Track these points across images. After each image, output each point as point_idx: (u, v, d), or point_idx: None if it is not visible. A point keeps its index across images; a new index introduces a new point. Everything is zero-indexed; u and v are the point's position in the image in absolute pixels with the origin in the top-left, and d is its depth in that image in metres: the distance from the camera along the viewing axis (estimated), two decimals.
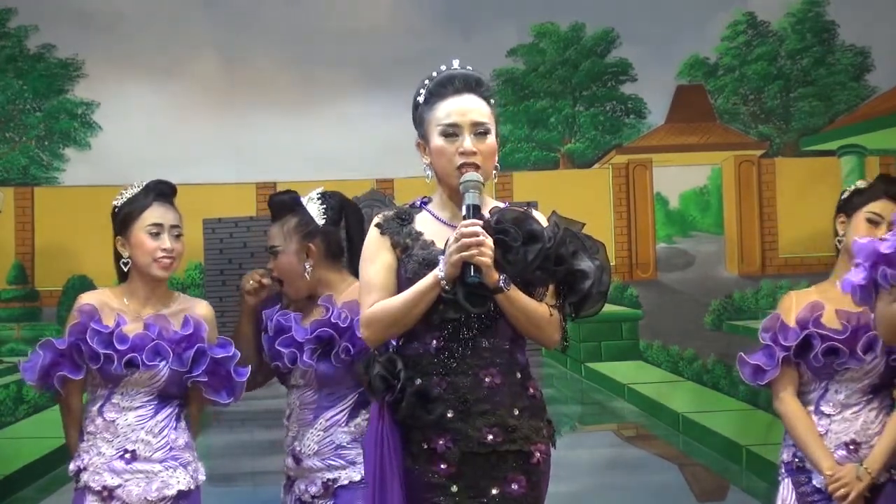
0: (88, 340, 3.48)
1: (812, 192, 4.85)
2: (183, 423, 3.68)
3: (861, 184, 3.85)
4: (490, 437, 2.82)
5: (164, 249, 3.59)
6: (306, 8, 5.37)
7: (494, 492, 2.84)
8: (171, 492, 3.58)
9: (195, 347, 3.59)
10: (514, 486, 2.85)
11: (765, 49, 5.56)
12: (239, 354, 3.68)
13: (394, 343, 2.95)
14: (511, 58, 5.52)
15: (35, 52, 5.30)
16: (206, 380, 3.62)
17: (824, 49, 5.55)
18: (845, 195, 3.84)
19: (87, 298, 3.60)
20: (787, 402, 3.71)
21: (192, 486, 3.65)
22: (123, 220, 3.61)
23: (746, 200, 5.51)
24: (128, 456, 3.54)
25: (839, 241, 3.80)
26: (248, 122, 5.31)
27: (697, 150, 5.56)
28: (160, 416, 3.61)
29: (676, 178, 5.55)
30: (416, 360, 2.87)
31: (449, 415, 2.82)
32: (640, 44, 5.49)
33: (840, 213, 3.81)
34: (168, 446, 3.60)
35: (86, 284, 4.81)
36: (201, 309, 3.73)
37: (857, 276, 3.14)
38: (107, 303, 3.60)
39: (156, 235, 3.58)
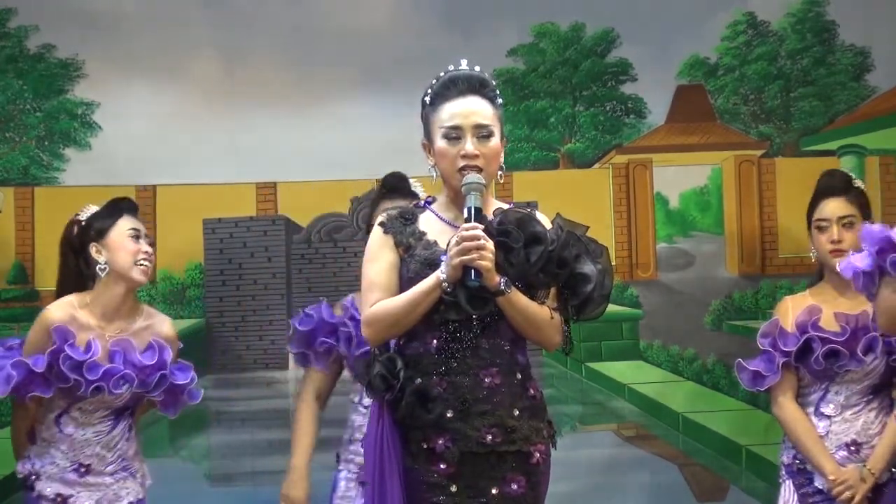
0: (61, 364, 3.45)
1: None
2: (133, 432, 3.69)
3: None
4: (489, 437, 2.82)
5: (145, 252, 3.60)
6: (306, 8, 5.37)
7: (494, 492, 2.84)
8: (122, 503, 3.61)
9: (158, 374, 3.59)
10: (514, 486, 2.85)
11: (765, 49, 5.56)
12: (196, 379, 3.72)
13: (394, 342, 2.94)
14: (511, 58, 5.53)
15: (35, 52, 5.30)
16: (162, 399, 3.66)
17: (824, 49, 5.55)
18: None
19: (57, 315, 3.52)
20: (786, 406, 3.70)
21: (141, 496, 3.69)
22: (99, 228, 3.60)
23: (746, 200, 5.51)
24: (82, 469, 3.55)
25: (813, 255, 3.79)
26: (248, 123, 5.31)
27: (697, 150, 5.56)
28: (116, 431, 3.62)
29: (676, 177, 5.55)
30: (416, 360, 2.87)
31: (448, 415, 2.82)
32: (640, 44, 5.50)
33: (808, 229, 3.81)
34: (120, 458, 3.63)
35: None
36: (165, 328, 3.72)
37: (861, 261, 3.10)
38: (75, 317, 3.55)
39: (136, 239, 3.60)
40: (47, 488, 3.53)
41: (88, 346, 3.50)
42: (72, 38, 5.27)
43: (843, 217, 3.66)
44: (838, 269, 3.20)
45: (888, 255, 2.97)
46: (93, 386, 3.48)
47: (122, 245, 3.57)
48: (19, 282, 5.22)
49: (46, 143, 5.32)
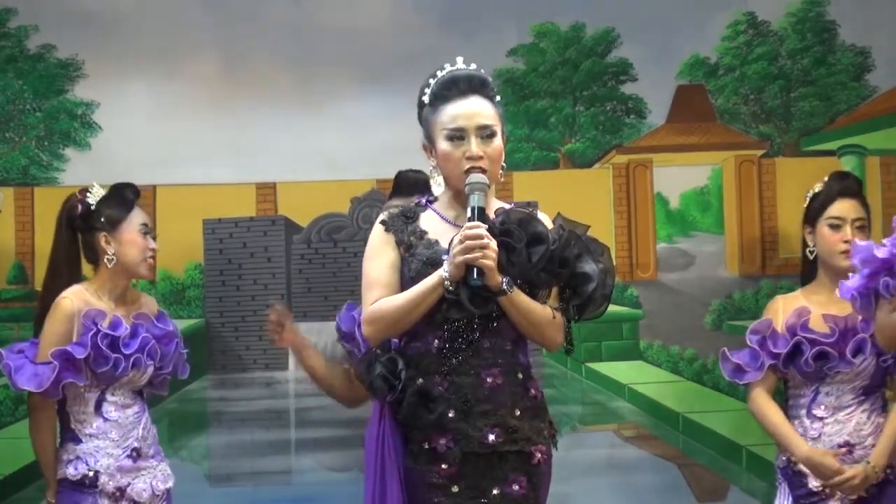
0: (100, 343, 3.47)
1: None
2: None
3: (818, 187, 3.80)
4: (491, 437, 2.82)
5: (152, 249, 3.66)
6: (306, 7, 5.37)
7: (495, 492, 2.84)
8: (169, 484, 3.66)
9: (174, 344, 3.69)
10: (515, 487, 2.85)
11: (765, 49, 5.56)
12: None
13: (396, 342, 2.94)
14: (511, 58, 5.52)
15: (35, 52, 5.30)
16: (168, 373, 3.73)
17: (825, 49, 5.55)
18: (806, 202, 3.80)
19: (75, 302, 3.53)
20: (757, 399, 3.71)
21: (172, 480, 3.72)
22: (111, 219, 3.61)
23: (747, 200, 5.51)
24: (134, 454, 3.57)
25: (811, 252, 3.77)
26: (248, 122, 5.31)
27: (698, 150, 5.56)
28: (145, 412, 3.67)
29: (677, 177, 5.55)
30: (417, 360, 2.87)
31: (450, 414, 2.81)
32: (641, 44, 5.50)
33: (805, 223, 3.78)
34: (155, 440, 3.69)
35: None
36: (155, 305, 3.80)
37: (854, 282, 3.11)
38: (91, 303, 3.58)
39: (145, 235, 3.63)
40: (109, 484, 3.53)
41: (116, 324, 3.52)
42: (72, 38, 5.26)
43: (857, 219, 3.66)
44: (838, 293, 3.20)
45: (880, 277, 2.98)
46: (131, 361, 3.51)
47: (132, 241, 3.61)
48: (19, 282, 5.21)
49: (46, 143, 5.32)
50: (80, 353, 3.47)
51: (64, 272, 3.63)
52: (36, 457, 3.63)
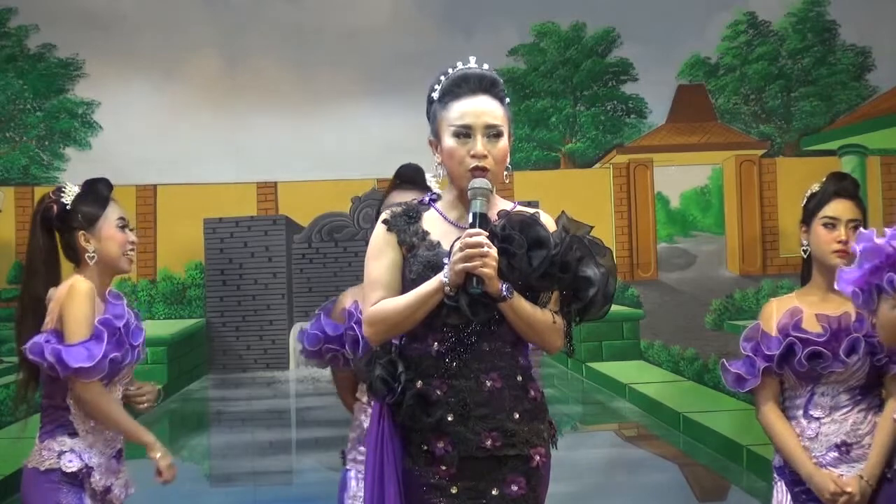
0: (121, 328, 3.48)
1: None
2: None
3: (815, 187, 3.80)
4: (489, 441, 2.81)
5: (132, 242, 3.64)
6: (306, 8, 5.38)
7: (494, 493, 2.83)
8: (132, 490, 3.62)
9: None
10: (514, 488, 2.84)
11: (766, 49, 5.56)
12: None
13: (395, 342, 2.93)
14: (512, 57, 5.53)
15: (35, 52, 5.30)
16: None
17: (825, 49, 5.55)
18: (804, 202, 3.81)
19: (90, 284, 3.51)
20: (767, 414, 3.70)
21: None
22: (88, 217, 3.59)
23: (747, 200, 5.51)
24: (117, 455, 3.56)
25: (805, 251, 3.78)
26: (248, 122, 5.32)
27: (698, 150, 5.56)
28: None
29: (677, 177, 5.56)
30: (417, 362, 2.86)
31: (449, 418, 2.80)
32: (641, 43, 5.51)
33: (801, 223, 3.79)
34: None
35: None
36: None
37: (854, 274, 3.09)
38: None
39: (123, 229, 3.61)
40: (100, 482, 3.51)
41: (123, 315, 3.53)
42: (72, 38, 5.27)
43: (852, 220, 3.66)
44: (836, 286, 3.19)
45: (884, 272, 2.96)
46: (136, 352, 3.52)
47: (111, 236, 3.59)
48: (20, 281, 5.20)
49: (47, 142, 5.33)
50: (120, 323, 3.47)
51: (41, 272, 3.60)
52: (126, 433, 3.55)
